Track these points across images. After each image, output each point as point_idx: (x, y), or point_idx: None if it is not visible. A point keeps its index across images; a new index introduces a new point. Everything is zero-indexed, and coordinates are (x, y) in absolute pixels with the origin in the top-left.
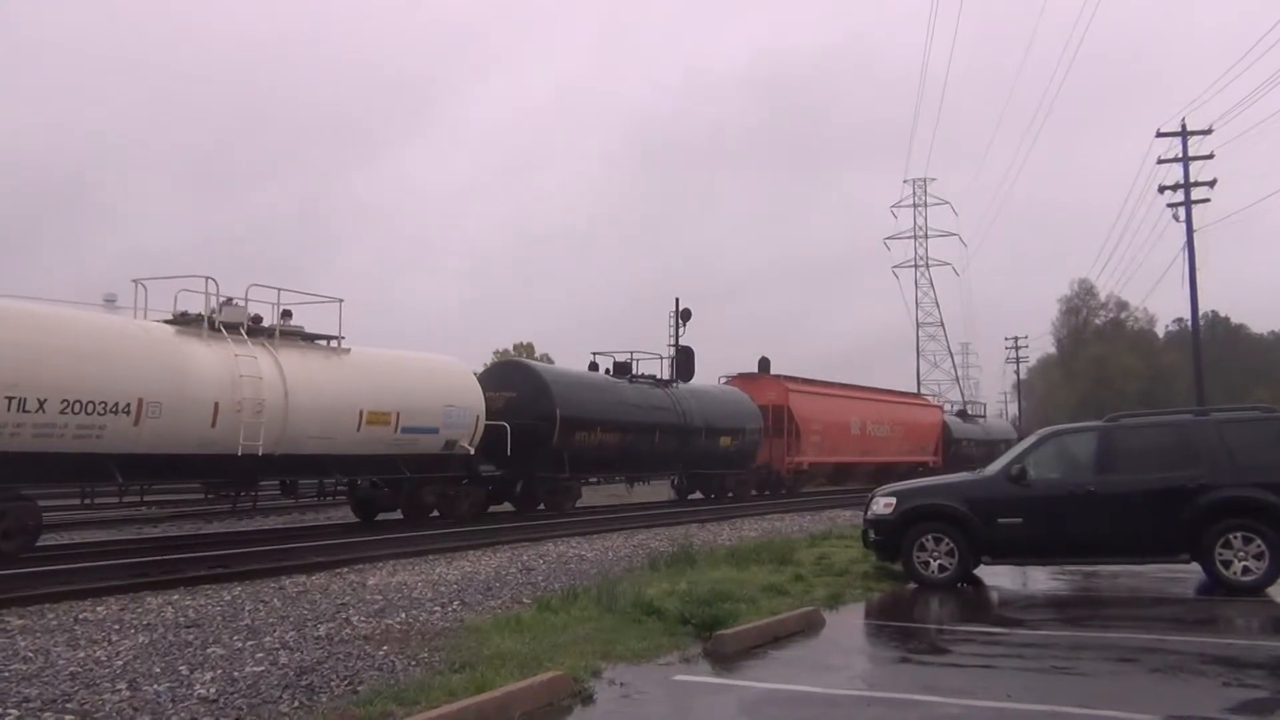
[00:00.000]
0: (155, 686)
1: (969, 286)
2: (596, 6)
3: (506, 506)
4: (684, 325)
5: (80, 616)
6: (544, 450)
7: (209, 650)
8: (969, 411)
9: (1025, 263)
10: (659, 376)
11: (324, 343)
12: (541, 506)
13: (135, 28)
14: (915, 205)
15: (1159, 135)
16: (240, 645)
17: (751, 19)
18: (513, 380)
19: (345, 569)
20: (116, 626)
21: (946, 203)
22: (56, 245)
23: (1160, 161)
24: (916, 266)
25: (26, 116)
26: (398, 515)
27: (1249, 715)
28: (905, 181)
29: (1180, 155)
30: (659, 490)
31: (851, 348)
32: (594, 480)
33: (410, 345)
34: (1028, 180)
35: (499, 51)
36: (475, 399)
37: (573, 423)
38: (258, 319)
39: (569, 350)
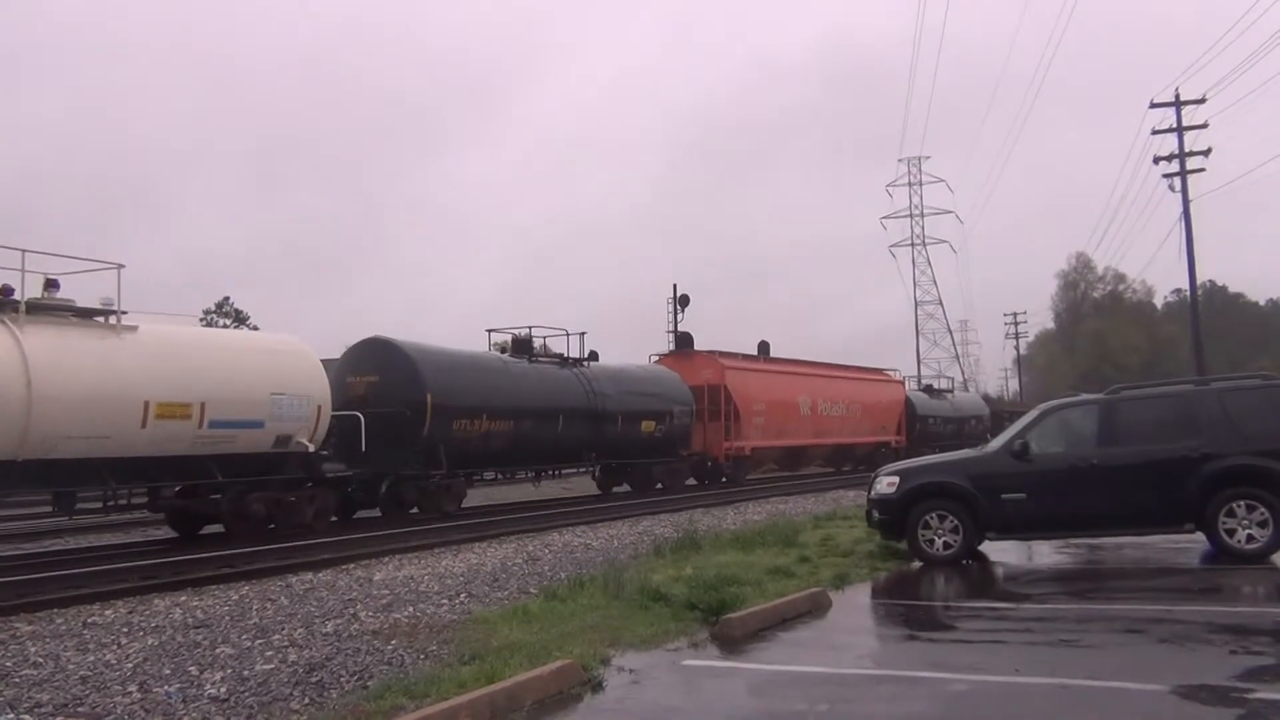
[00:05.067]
0: (166, 688)
1: (967, 264)
2: None
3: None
4: (683, 311)
5: (89, 620)
6: (413, 444)
7: (218, 650)
8: (936, 386)
9: (1023, 238)
10: (567, 354)
11: (102, 319)
12: (415, 510)
13: (193, 27)
14: (910, 184)
15: (1153, 106)
16: (249, 644)
17: (816, 8)
18: (375, 361)
19: (351, 565)
20: (125, 629)
21: (942, 180)
22: (117, 245)
23: (1155, 132)
24: (914, 245)
25: (89, 114)
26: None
27: (1257, 682)
28: (900, 160)
29: (1174, 125)
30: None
31: (870, 332)
32: (490, 476)
33: (441, 337)
34: (1024, 155)
35: (561, 41)
36: (315, 385)
37: (448, 410)
38: (6, 290)
39: (591, 341)
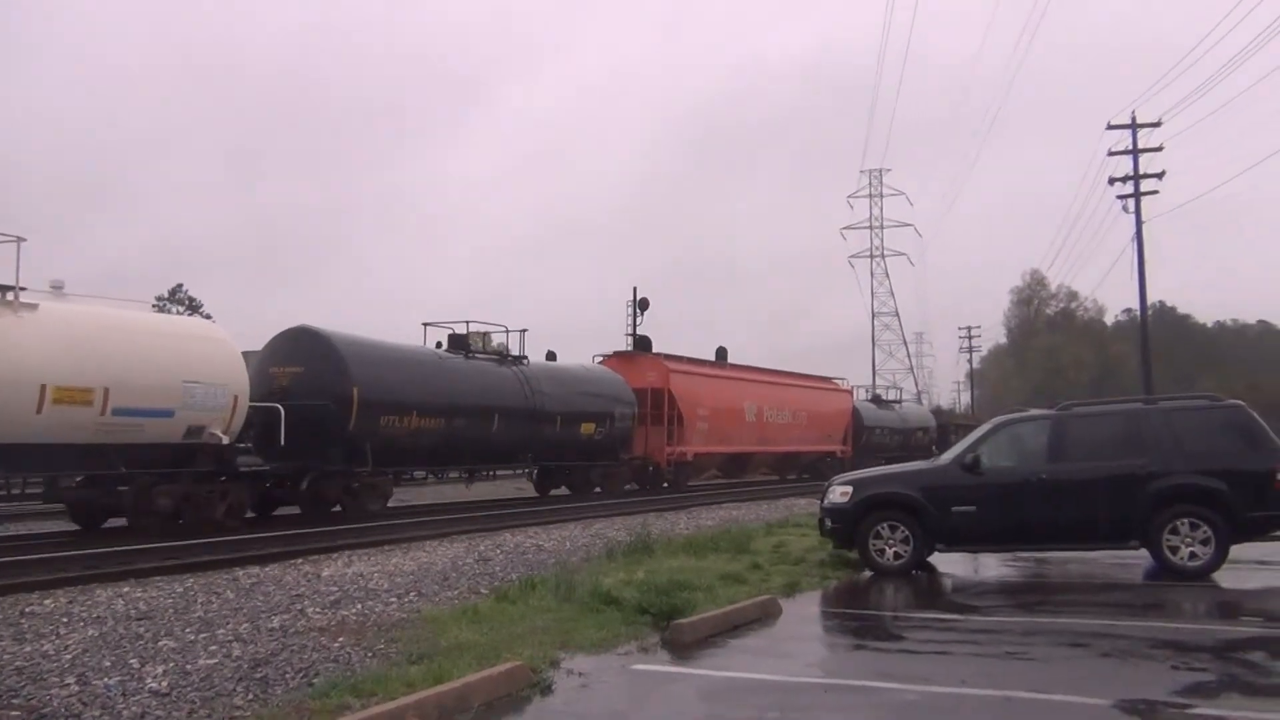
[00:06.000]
0: (105, 680)
1: (924, 277)
2: (647, 2)
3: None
4: (643, 314)
5: (26, 610)
6: (337, 439)
7: (160, 643)
8: (884, 397)
9: (979, 254)
10: (508, 352)
11: None
12: (337, 508)
13: (176, 16)
14: (871, 196)
15: (1109, 128)
16: (193, 638)
17: (806, 16)
18: (300, 352)
19: (300, 560)
20: (65, 620)
21: (902, 194)
22: (91, 235)
23: (1111, 154)
24: (872, 257)
25: (64, 105)
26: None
27: (1196, 698)
28: (862, 172)
29: (1130, 148)
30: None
31: (831, 341)
32: (420, 475)
33: (408, 336)
34: (983, 172)
35: (552, 42)
36: (233, 373)
37: (376, 405)
38: None
39: (557, 342)
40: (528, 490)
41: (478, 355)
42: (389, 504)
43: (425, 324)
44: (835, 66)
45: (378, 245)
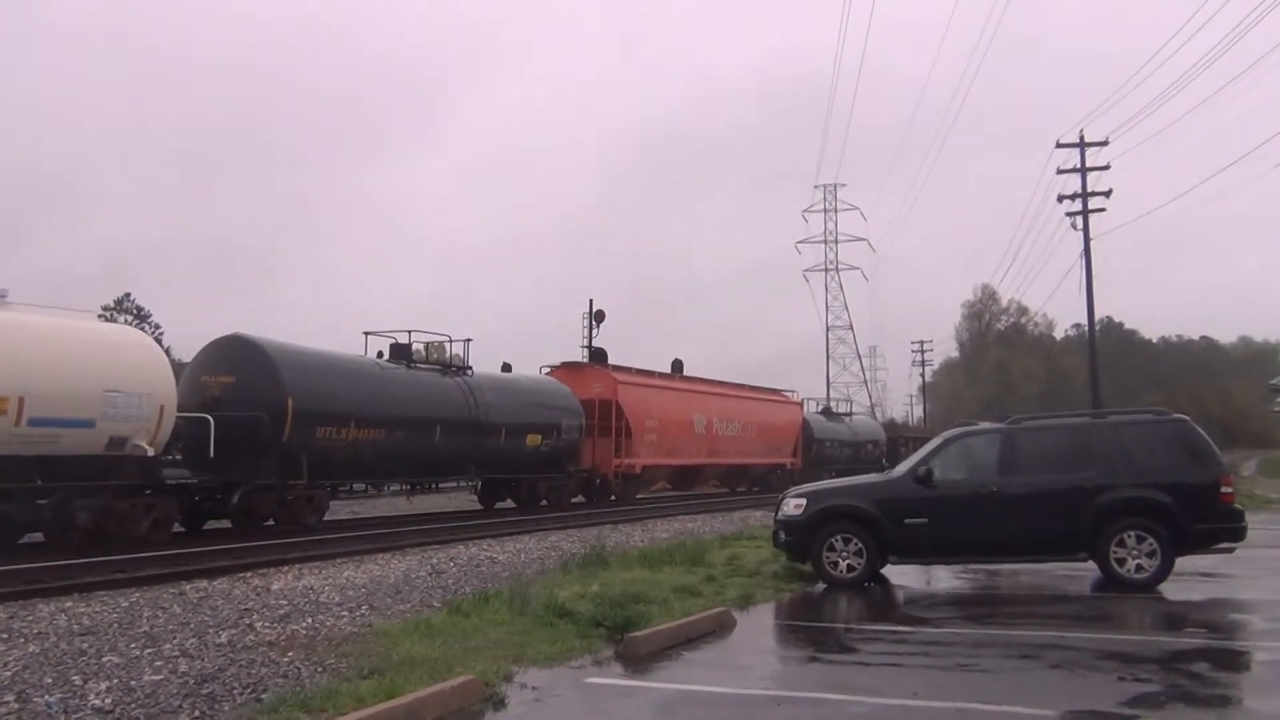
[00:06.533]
0: (47, 698)
1: (878, 291)
2: (607, 15)
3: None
4: (598, 326)
5: None
6: (271, 450)
7: (104, 659)
8: (835, 409)
9: (933, 268)
10: (452, 362)
11: None
12: (271, 522)
13: (131, 17)
14: (826, 210)
15: (1058, 146)
16: (138, 653)
17: (762, 31)
18: (232, 360)
19: (249, 573)
20: (5, 635)
21: (856, 208)
22: (43, 237)
23: (1060, 172)
24: (826, 270)
25: (15, 102)
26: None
27: (1143, 709)
28: (816, 187)
29: (1078, 166)
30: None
31: (788, 354)
32: (361, 487)
33: (360, 346)
34: (937, 186)
35: (511, 54)
36: (158, 382)
37: (312, 416)
38: None
39: (515, 353)
40: (477, 503)
41: (420, 365)
42: (339, 517)
43: (366, 333)
44: (790, 81)
45: (333, 253)
